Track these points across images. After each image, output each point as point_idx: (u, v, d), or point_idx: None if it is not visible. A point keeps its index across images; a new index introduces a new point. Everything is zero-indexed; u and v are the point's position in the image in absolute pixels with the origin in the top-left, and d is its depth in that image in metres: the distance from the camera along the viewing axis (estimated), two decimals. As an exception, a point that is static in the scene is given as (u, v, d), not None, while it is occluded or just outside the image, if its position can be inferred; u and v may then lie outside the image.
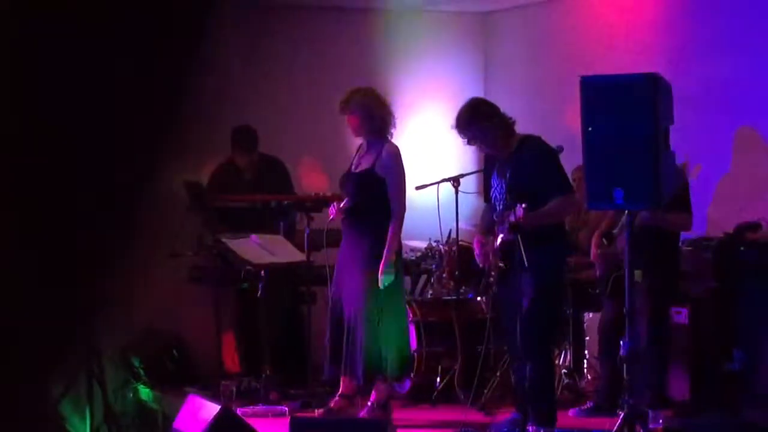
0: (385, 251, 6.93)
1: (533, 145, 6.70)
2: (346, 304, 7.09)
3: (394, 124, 7.21)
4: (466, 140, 6.79)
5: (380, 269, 6.92)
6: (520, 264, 6.45)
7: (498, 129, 6.67)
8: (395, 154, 7.09)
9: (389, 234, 6.96)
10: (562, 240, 6.86)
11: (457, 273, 8.20)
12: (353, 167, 7.23)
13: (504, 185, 6.62)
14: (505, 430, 6.67)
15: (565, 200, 6.55)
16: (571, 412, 7.36)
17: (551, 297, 6.71)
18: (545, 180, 6.53)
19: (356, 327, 7.01)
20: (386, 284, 6.94)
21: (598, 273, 7.44)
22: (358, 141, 7.33)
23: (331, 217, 7.23)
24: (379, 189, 7.03)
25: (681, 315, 7.30)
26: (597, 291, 7.48)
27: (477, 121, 6.68)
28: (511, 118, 6.73)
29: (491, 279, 6.95)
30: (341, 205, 7.13)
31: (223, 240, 7.79)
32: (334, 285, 7.24)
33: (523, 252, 6.42)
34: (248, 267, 7.81)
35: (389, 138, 7.17)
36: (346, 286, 7.13)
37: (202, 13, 3.22)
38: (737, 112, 7.85)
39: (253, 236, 7.76)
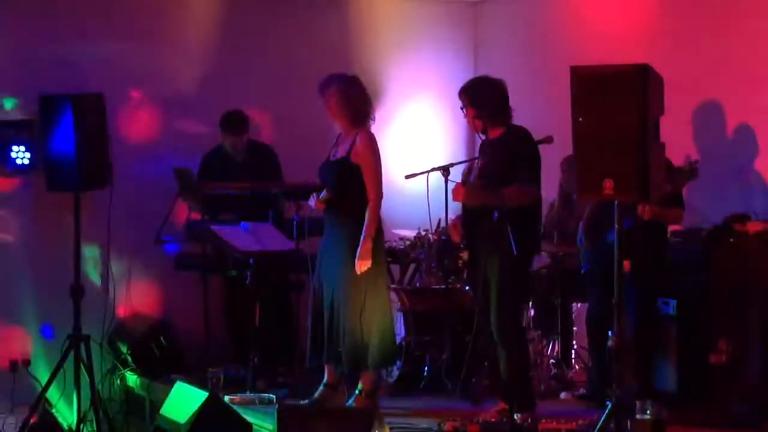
0: (362, 237, 6.93)
1: (518, 133, 6.83)
2: (328, 294, 7.09)
3: (373, 115, 7.21)
4: (461, 105, 6.91)
5: (357, 255, 6.92)
6: (505, 250, 6.49)
7: (491, 108, 6.80)
8: (369, 141, 7.09)
9: (366, 220, 6.96)
10: (534, 226, 6.89)
11: (446, 262, 8.21)
12: (330, 156, 7.24)
13: (480, 164, 6.82)
14: (492, 420, 6.68)
15: (520, 189, 6.59)
16: (562, 395, 7.39)
17: (521, 282, 6.76)
18: (515, 165, 6.63)
19: (338, 316, 7.01)
20: (364, 270, 6.94)
21: (582, 262, 7.47)
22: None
23: (311, 207, 7.24)
24: (355, 177, 7.03)
25: (669, 306, 7.31)
26: (581, 277, 7.53)
27: (476, 93, 6.85)
28: (511, 109, 6.88)
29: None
30: (320, 195, 7.14)
31: (212, 227, 7.77)
32: (316, 274, 7.24)
33: (512, 238, 6.44)
34: (237, 254, 7.80)
35: (366, 127, 7.16)
36: (327, 275, 7.13)
37: None
38: (727, 104, 7.85)
39: (243, 223, 7.75)
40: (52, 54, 8.62)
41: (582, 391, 7.47)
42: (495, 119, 6.82)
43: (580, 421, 6.44)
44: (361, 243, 6.93)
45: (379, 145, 7.16)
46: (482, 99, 6.82)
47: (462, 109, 6.93)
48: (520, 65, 9.70)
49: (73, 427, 7.96)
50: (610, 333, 5.80)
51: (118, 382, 8.70)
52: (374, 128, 7.22)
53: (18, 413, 8.19)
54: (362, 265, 6.94)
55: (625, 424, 5.81)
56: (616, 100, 5.62)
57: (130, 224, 8.52)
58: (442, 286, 8.23)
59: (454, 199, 6.87)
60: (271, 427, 6.55)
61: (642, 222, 6.86)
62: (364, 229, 6.95)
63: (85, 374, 7.82)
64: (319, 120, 7.60)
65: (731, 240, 7.13)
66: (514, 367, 6.66)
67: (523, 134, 6.81)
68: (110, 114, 7.95)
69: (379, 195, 7.05)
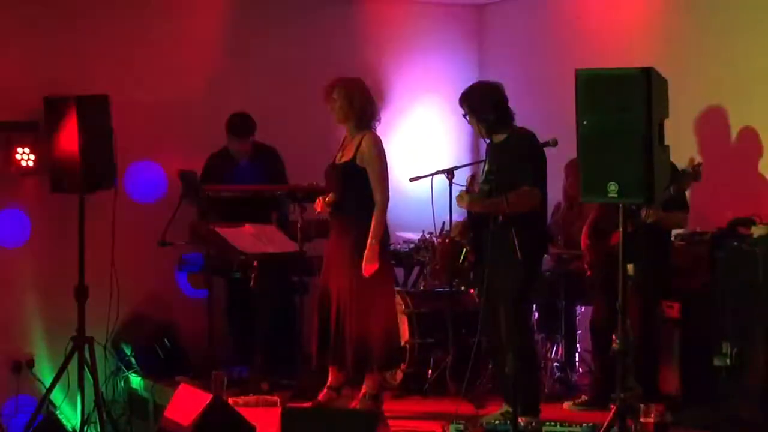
0: (369, 240, 6.93)
1: (521, 135, 6.83)
2: (334, 296, 7.10)
3: (379, 117, 7.23)
4: (463, 112, 6.92)
5: (364, 258, 6.93)
6: (511, 253, 6.48)
7: (491, 114, 6.78)
8: (375, 144, 7.09)
9: (372, 223, 6.96)
10: (539, 228, 6.87)
11: (449, 265, 8.20)
12: (336, 159, 7.24)
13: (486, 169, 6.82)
14: (496, 422, 6.67)
15: (523, 194, 6.58)
16: (565, 404, 7.37)
17: (528, 284, 6.75)
18: (518, 168, 6.62)
19: (344, 318, 7.01)
20: (370, 273, 6.94)
21: (586, 265, 7.46)
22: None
23: (318, 210, 7.24)
24: (361, 180, 7.04)
25: (673, 309, 7.30)
26: (586, 279, 7.49)
27: (476, 99, 6.86)
28: (511, 112, 6.88)
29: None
30: (327, 198, 7.14)
31: (217, 229, 7.77)
32: (322, 276, 7.24)
33: (516, 243, 6.43)
34: (241, 256, 7.80)
35: (372, 129, 7.17)
36: (333, 278, 7.14)
37: None
38: (732, 107, 7.85)
39: (247, 225, 7.75)
40: (57, 55, 8.62)
41: (584, 398, 7.45)
42: (496, 123, 6.82)
43: (583, 424, 6.43)
44: (368, 245, 6.94)
45: (384, 148, 7.16)
46: (480, 105, 6.83)
47: (464, 116, 6.94)
48: (524, 68, 9.70)
49: (77, 428, 7.96)
50: (614, 336, 5.80)
51: (122, 383, 8.71)
52: (379, 131, 7.23)
53: (22, 414, 8.20)
54: (369, 268, 6.94)
55: (629, 426, 5.80)
56: (621, 103, 5.62)
57: (135, 226, 8.53)
58: (446, 289, 8.23)
59: (458, 205, 6.90)
60: (274, 429, 6.55)
61: (645, 225, 6.86)
62: (370, 232, 6.95)
63: (89, 376, 7.82)
64: (324, 122, 7.60)
65: (735, 243, 7.13)
66: (522, 369, 6.63)
67: (526, 136, 6.82)
68: (115, 116, 7.96)
69: (386, 198, 7.05)
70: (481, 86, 7.05)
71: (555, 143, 7.02)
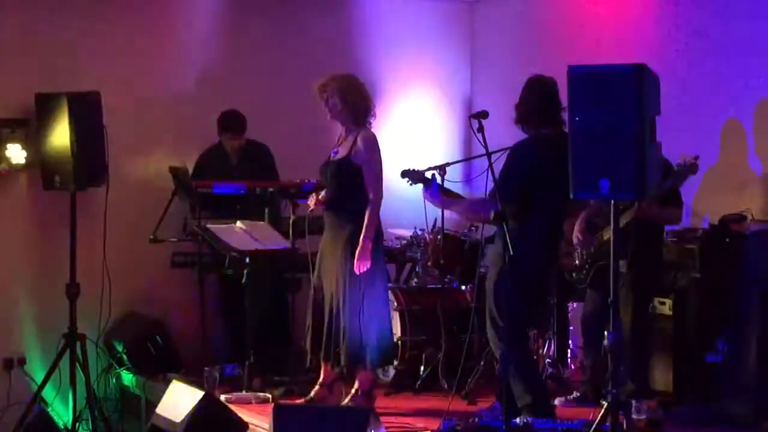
0: (361, 237, 6.93)
1: (517, 144, 6.67)
2: (327, 293, 7.10)
3: (374, 113, 7.21)
4: None
5: (356, 255, 6.92)
6: (499, 249, 6.45)
7: (523, 111, 6.65)
8: (370, 141, 7.08)
9: (366, 220, 6.96)
10: (539, 229, 6.77)
11: (441, 261, 8.20)
12: (331, 156, 7.23)
13: None
14: (488, 419, 6.66)
15: (480, 204, 6.51)
16: (556, 401, 7.37)
17: (518, 282, 6.48)
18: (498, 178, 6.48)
19: (338, 315, 7.01)
20: (363, 270, 6.94)
21: (577, 261, 7.44)
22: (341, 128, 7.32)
23: (312, 207, 7.24)
24: (355, 177, 7.03)
25: (664, 306, 7.31)
26: (575, 276, 7.46)
27: (525, 90, 6.70)
28: (539, 114, 6.65)
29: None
30: (321, 195, 7.14)
31: (208, 226, 7.77)
32: (315, 273, 7.24)
33: (508, 239, 6.38)
34: (233, 253, 7.79)
35: (367, 126, 7.16)
36: (327, 275, 7.14)
37: None
38: (723, 104, 7.86)
39: (238, 222, 7.74)
40: (49, 52, 8.59)
41: (576, 394, 7.45)
42: (523, 122, 6.69)
43: (575, 421, 6.43)
44: (360, 242, 6.93)
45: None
46: (520, 99, 6.71)
47: None
48: (516, 64, 9.69)
49: (69, 425, 7.96)
50: (606, 332, 5.80)
51: (114, 381, 8.70)
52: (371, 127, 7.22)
53: (13, 412, 8.18)
54: (361, 265, 6.94)
55: (621, 423, 5.80)
56: (613, 100, 5.62)
57: (126, 222, 8.52)
58: (438, 286, 8.23)
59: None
60: (266, 426, 6.54)
61: (639, 221, 6.86)
62: (363, 229, 6.95)
63: (81, 373, 7.81)
64: (317, 119, 7.59)
65: (727, 240, 7.14)
66: (514, 369, 6.59)
67: (518, 144, 6.66)
68: (106, 112, 7.94)
69: (379, 195, 7.04)
70: (528, 81, 6.77)
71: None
